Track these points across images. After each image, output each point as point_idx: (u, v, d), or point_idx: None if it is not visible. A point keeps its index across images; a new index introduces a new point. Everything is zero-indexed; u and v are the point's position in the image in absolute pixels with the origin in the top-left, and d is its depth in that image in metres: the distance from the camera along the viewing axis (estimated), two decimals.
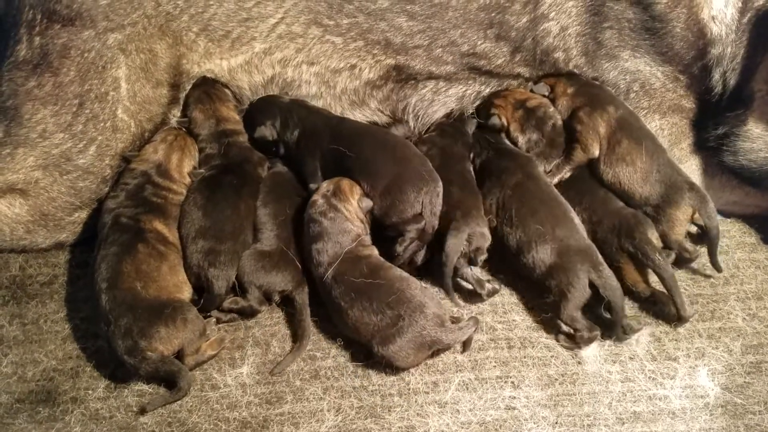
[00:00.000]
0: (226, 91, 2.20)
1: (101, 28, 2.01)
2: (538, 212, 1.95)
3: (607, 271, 1.86)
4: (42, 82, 1.98)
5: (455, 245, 1.90)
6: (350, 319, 1.79)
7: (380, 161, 1.96)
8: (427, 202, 1.89)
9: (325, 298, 1.86)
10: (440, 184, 1.93)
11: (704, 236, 2.03)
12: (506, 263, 2.03)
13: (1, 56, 2.04)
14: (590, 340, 1.86)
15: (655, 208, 2.00)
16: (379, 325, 1.75)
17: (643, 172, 2.02)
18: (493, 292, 1.98)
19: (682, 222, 1.98)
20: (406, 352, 1.76)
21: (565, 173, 2.11)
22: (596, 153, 2.09)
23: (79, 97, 1.99)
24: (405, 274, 1.86)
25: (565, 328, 1.88)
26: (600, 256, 1.89)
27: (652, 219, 1.99)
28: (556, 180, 2.10)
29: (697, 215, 1.99)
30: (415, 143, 2.17)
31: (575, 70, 2.23)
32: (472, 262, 1.95)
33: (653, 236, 1.93)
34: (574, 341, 1.87)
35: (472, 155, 2.18)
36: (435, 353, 1.82)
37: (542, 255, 1.90)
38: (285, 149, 2.16)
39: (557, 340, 1.88)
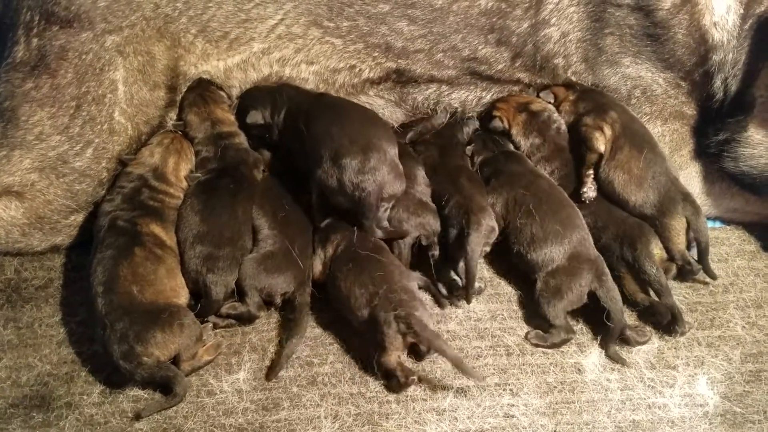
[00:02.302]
0: (221, 93, 2.18)
1: (99, 30, 1.99)
2: (559, 213, 1.94)
3: (610, 284, 1.86)
4: (39, 84, 1.96)
5: (478, 239, 1.89)
6: (343, 287, 1.81)
7: (333, 135, 1.91)
8: (374, 174, 1.86)
9: (327, 277, 1.88)
10: (373, 177, 1.85)
11: (695, 249, 2.02)
12: (508, 265, 2.02)
13: None
14: (562, 342, 1.87)
15: (651, 219, 1.99)
16: (360, 299, 1.77)
17: (638, 179, 2.02)
18: (479, 291, 1.99)
19: (679, 232, 1.97)
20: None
21: (591, 178, 2.07)
22: (602, 148, 2.07)
23: (77, 100, 1.98)
24: (405, 269, 1.87)
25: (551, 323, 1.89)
26: (606, 267, 1.88)
27: None
28: (588, 189, 2.04)
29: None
30: (412, 146, 2.17)
31: (573, 77, 2.23)
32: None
33: (656, 247, 1.92)
34: (544, 340, 1.87)
35: (471, 153, 2.17)
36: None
37: (555, 254, 1.90)
38: (277, 133, 2.14)
39: (526, 337, 1.88)
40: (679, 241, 1.97)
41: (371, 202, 1.87)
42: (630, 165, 2.03)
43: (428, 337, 1.72)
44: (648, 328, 1.92)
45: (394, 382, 1.76)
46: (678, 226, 1.96)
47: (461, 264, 1.91)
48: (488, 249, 1.98)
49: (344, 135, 1.91)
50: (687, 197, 1.99)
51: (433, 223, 1.97)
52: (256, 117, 2.12)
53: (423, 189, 2.03)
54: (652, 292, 1.95)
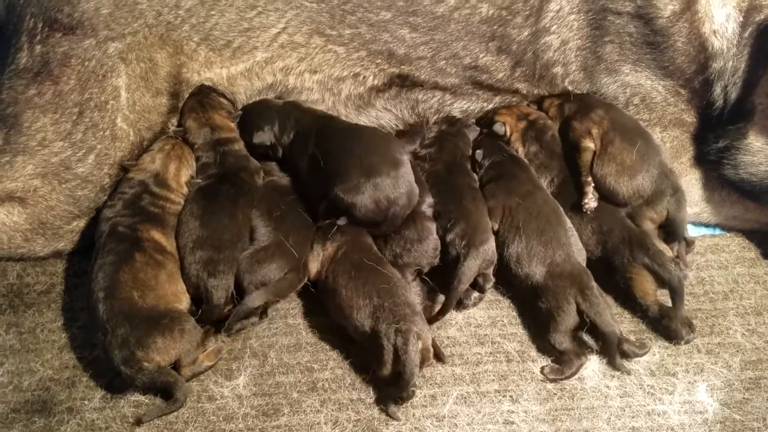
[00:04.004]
0: (221, 99, 2.18)
1: (102, 37, 2.00)
2: (545, 233, 1.93)
3: (594, 299, 1.83)
4: (42, 90, 1.97)
5: (471, 272, 1.89)
6: (344, 296, 1.81)
7: (348, 168, 1.93)
8: (391, 210, 1.90)
9: (325, 281, 1.88)
10: (404, 191, 1.91)
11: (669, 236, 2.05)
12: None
13: (2, 64, 2.04)
14: (578, 369, 1.83)
15: (635, 208, 2.04)
16: (363, 310, 1.77)
17: (631, 170, 2.04)
18: (478, 301, 1.99)
19: (653, 219, 2.02)
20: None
21: (591, 187, 2.06)
22: (592, 146, 2.10)
23: (79, 106, 1.99)
24: (406, 282, 1.88)
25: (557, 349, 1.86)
26: (591, 282, 1.87)
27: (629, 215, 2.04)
28: (589, 200, 2.03)
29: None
30: (415, 158, 2.17)
31: (571, 87, 2.24)
32: (480, 289, 1.97)
33: (661, 245, 1.95)
34: (561, 372, 1.83)
35: (481, 157, 2.18)
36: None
37: (538, 276, 1.90)
38: (282, 152, 2.15)
39: (542, 373, 1.84)
40: (646, 224, 2.02)
41: (402, 215, 1.93)
42: (622, 157, 2.05)
43: (409, 360, 1.68)
44: (647, 340, 1.91)
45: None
46: (655, 216, 2.02)
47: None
48: (491, 282, 1.98)
49: (372, 154, 1.96)
50: (676, 192, 2.02)
51: (436, 250, 1.97)
52: (262, 138, 2.13)
53: (428, 204, 2.03)
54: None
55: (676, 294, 1.90)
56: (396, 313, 1.74)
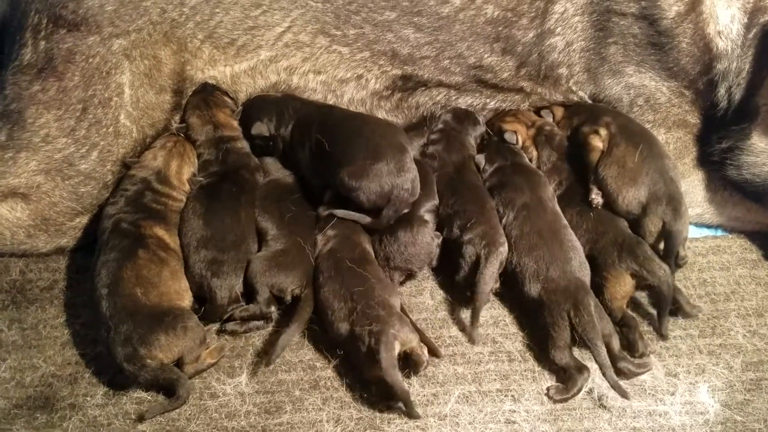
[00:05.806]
0: (225, 98, 2.18)
1: (106, 34, 2.01)
2: (536, 248, 1.92)
3: (587, 317, 1.79)
4: (46, 87, 1.98)
5: (492, 275, 1.90)
6: (322, 296, 1.81)
7: (354, 150, 1.94)
8: (394, 194, 1.90)
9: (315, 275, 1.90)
10: (409, 176, 1.91)
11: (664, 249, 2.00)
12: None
13: (6, 60, 2.04)
14: (581, 384, 1.79)
15: (635, 219, 2.01)
16: (338, 312, 1.77)
17: (632, 173, 2.03)
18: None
19: (651, 231, 1.99)
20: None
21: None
22: (600, 145, 2.11)
23: (83, 102, 1.99)
24: (389, 282, 1.87)
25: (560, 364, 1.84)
26: (587, 298, 1.82)
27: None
28: (597, 195, 2.04)
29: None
30: (422, 155, 2.17)
31: (575, 87, 2.25)
32: None
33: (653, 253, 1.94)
34: (565, 391, 1.80)
35: (483, 163, 2.17)
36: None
37: (533, 292, 1.89)
38: (282, 145, 2.15)
39: (548, 395, 1.80)
40: (650, 242, 1.98)
41: (406, 201, 1.92)
42: (625, 159, 2.05)
43: (383, 362, 1.67)
44: (649, 359, 1.87)
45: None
46: (652, 229, 1.98)
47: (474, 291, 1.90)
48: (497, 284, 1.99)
49: (378, 137, 1.97)
50: (671, 201, 1.98)
51: (429, 256, 1.98)
52: (260, 128, 2.13)
53: (427, 209, 2.02)
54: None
55: (662, 300, 1.89)
56: (369, 315, 1.73)
